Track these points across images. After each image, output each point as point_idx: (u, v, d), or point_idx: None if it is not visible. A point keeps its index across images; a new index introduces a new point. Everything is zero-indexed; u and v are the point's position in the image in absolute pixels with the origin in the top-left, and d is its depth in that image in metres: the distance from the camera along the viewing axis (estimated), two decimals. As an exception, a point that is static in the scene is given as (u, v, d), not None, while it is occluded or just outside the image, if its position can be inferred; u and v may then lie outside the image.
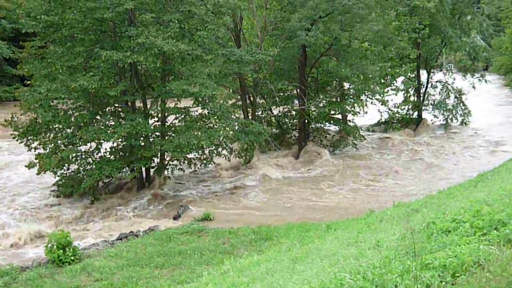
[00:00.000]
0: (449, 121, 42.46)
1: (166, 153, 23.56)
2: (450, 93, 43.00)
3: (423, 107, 42.42)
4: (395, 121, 41.28)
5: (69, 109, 23.96)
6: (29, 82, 25.49)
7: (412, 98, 42.36)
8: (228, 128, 25.28)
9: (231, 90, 32.41)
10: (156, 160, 25.19)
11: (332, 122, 35.37)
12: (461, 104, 42.85)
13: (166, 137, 24.05)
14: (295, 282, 7.76)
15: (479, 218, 6.58)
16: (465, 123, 42.60)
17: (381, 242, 8.21)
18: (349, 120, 35.91)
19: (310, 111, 33.62)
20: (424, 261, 5.42)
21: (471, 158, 32.39)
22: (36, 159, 23.55)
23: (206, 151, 25.48)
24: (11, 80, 60.28)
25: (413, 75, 42.17)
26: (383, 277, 5.41)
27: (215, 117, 24.95)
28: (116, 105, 24.60)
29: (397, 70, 39.16)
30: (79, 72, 22.70)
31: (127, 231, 19.10)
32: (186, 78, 23.21)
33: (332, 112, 34.56)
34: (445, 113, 42.62)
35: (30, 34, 24.92)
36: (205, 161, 25.92)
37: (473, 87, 43.90)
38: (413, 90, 42.47)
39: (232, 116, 27.12)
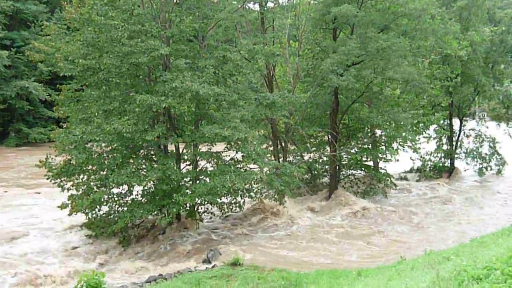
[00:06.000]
0: (483, 170, 41.99)
1: (198, 197, 23.66)
2: (483, 141, 42.66)
3: (456, 155, 42.09)
4: (427, 169, 40.99)
5: (103, 152, 24.29)
6: (64, 124, 26.01)
7: (444, 146, 42.10)
8: (262, 171, 25.34)
9: (262, 133, 32.58)
10: (188, 204, 25.27)
11: (363, 168, 35.27)
12: (496, 153, 42.43)
13: (199, 181, 24.16)
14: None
15: (510, 265, 6.50)
16: (500, 173, 42.09)
17: (411, 289, 8.12)
18: (381, 168, 35.75)
19: (342, 157, 33.61)
20: (453, 307, 5.37)
21: (505, 208, 31.89)
22: (68, 200, 23.85)
23: (239, 195, 25.52)
24: (46, 122, 61.76)
25: (446, 123, 42.01)
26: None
27: (250, 160, 24.97)
28: (149, 148, 24.86)
29: (429, 118, 39.04)
30: (114, 115, 23.09)
31: (156, 274, 19.12)
32: (219, 123, 23.45)
33: (364, 159, 34.51)
34: (478, 161, 42.21)
35: (67, 77, 25.52)
36: (237, 205, 25.94)
37: (510, 135, 43.47)
38: (445, 138, 42.22)
39: (265, 160, 27.18)
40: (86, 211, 23.74)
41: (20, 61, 62.31)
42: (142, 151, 24.82)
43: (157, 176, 22.29)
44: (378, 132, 36.16)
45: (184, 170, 24.79)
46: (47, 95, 51.08)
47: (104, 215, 24.29)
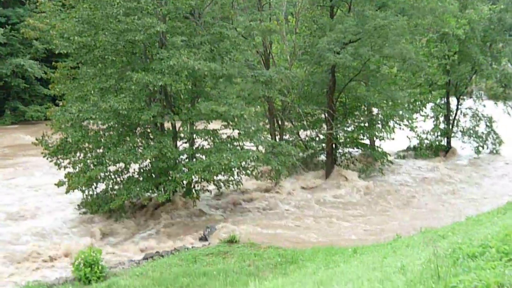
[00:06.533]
0: (480, 149, 41.99)
1: (194, 174, 23.67)
2: (480, 120, 42.62)
3: (452, 134, 42.08)
4: (423, 147, 40.99)
5: (100, 130, 24.24)
6: (60, 102, 25.93)
7: (441, 125, 42.07)
8: (258, 149, 25.37)
9: (258, 111, 32.52)
10: (185, 181, 25.27)
11: (360, 147, 35.31)
12: (493, 132, 42.40)
13: (195, 159, 24.16)
14: (319, 304, 7.74)
15: (506, 243, 6.52)
16: (496, 152, 42.10)
17: (406, 266, 8.14)
18: (377, 146, 35.78)
19: (338, 136, 33.62)
20: (448, 284, 5.39)
21: (502, 186, 31.95)
22: (65, 177, 23.86)
23: (235, 173, 25.56)
24: (42, 100, 61.36)
25: (443, 102, 41.96)
26: (407, 300, 5.39)
27: (246, 138, 24.97)
28: (146, 126, 24.82)
29: (426, 96, 38.98)
30: (111, 93, 23.01)
31: (153, 251, 19.19)
32: (215, 100, 23.40)
33: (360, 137, 34.52)
34: (475, 140, 42.20)
35: (63, 55, 25.38)
36: (233, 183, 25.99)
37: (508, 113, 43.38)
38: (442, 117, 42.18)
39: (262, 138, 27.16)
40: (83, 188, 23.79)
41: (15, 39, 61.83)
42: (138, 129, 24.76)
43: (153, 154, 22.29)
44: (375, 110, 36.13)
45: (180, 148, 24.79)
46: (43, 73, 50.63)
47: (100, 193, 24.32)
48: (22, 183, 31.52)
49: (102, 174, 23.38)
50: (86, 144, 23.93)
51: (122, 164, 23.75)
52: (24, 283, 15.72)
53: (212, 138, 24.90)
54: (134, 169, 24.42)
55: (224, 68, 23.38)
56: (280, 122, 31.61)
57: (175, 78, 22.20)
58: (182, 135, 25.28)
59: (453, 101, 42.49)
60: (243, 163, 24.68)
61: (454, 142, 42.39)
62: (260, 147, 25.89)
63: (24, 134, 49.06)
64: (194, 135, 24.90)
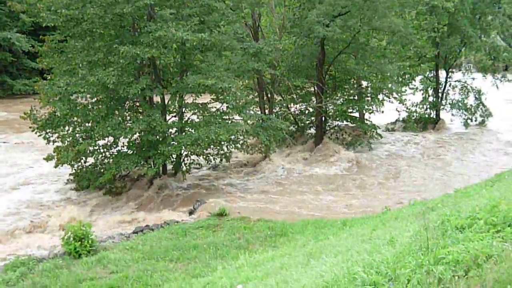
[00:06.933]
0: (469, 121, 42.17)
1: (184, 148, 23.66)
2: (469, 93, 42.75)
3: (441, 107, 42.20)
4: (412, 120, 41.12)
5: (88, 103, 24.11)
6: (48, 75, 25.73)
7: (430, 98, 42.15)
8: (247, 123, 25.36)
9: (247, 83, 32.45)
10: (174, 154, 25.25)
11: (349, 120, 35.36)
12: (481, 104, 42.57)
13: (184, 133, 24.11)
14: (308, 276, 7.78)
15: (493, 215, 6.57)
16: (485, 124, 42.31)
17: (395, 238, 8.20)
18: (366, 119, 35.84)
19: (328, 109, 33.63)
20: (437, 255, 5.43)
21: (490, 159, 32.14)
22: (54, 152, 23.76)
23: (224, 146, 25.56)
24: (30, 74, 60.97)
25: (432, 75, 42.01)
26: (396, 271, 5.44)
27: (234, 111, 24.96)
28: (135, 100, 24.71)
29: (416, 69, 39.00)
30: (99, 66, 22.84)
31: (143, 225, 19.23)
32: (204, 73, 23.29)
33: (350, 110, 34.54)
34: (464, 113, 42.37)
35: (50, 28, 25.15)
36: (223, 156, 26.00)
37: (497, 86, 43.53)
38: (431, 89, 42.25)
39: (251, 112, 27.11)
40: (72, 163, 23.71)
41: (2, 12, 61.12)
42: (127, 102, 24.63)
43: (142, 127, 22.20)
44: (364, 83, 36.15)
45: (170, 122, 24.72)
46: (30, 46, 50.18)
47: (90, 167, 24.27)
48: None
49: (91, 148, 23.26)
50: (75, 118, 23.80)
51: (111, 138, 23.66)
52: (13, 258, 15.71)
53: (201, 112, 24.83)
54: (123, 143, 24.35)
55: (212, 37, 23.18)
56: (269, 96, 31.54)
57: (163, 51, 22.05)
58: (171, 108, 25.20)
59: (442, 74, 42.59)
60: (232, 136, 24.67)
61: (443, 115, 42.54)
62: (249, 121, 25.86)
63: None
64: (183, 109, 24.82)
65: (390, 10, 29.72)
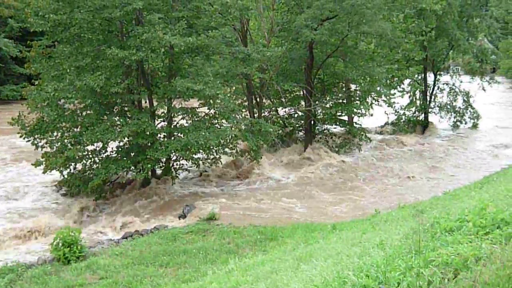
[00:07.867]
0: (458, 124, 42.42)
1: (173, 153, 23.60)
2: (457, 95, 42.98)
3: (430, 110, 42.38)
4: (401, 123, 41.25)
5: (77, 109, 24.02)
6: (36, 81, 25.63)
7: (418, 101, 42.33)
8: (235, 128, 25.36)
9: (235, 88, 32.47)
10: (163, 160, 25.21)
11: (338, 123, 35.40)
12: (470, 107, 42.81)
13: (173, 138, 24.07)
14: (298, 280, 7.78)
15: (482, 217, 6.58)
16: (475, 126, 42.53)
17: (385, 241, 8.21)
18: (355, 122, 35.91)
19: (317, 112, 33.67)
20: (427, 258, 5.44)
21: (478, 161, 32.30)
22: (42, 157, 23.65)
23: (213, 151, 25.54)
24: (18, 79, 60.57)
25: (420, 78, 42.19)
26: (386, 274, 5.43)
27: (222, 117, 25.00)
28: (123, 105, 24.65)
29: (404, 72, 39.13)
30: (87, 71, 22.76)
31: (132, 230, 19.16)
32: (192, 77, 23.26)
33: (339, 113, 34.60)
34: (452, 115, 42.60)
35: (38, 33, 25.04)
36: (212, 161, 25.98)
37: (483, 89, 43.82)
38: (420, 92, 42.44)
39: (239, 116, 27.12)
40: (61, 169, 23.59)
41: (-11, 17, 60.98)
42: (116, 107, 24.57)
43: (131, 129, 22.13)
44: (353, 86, 36.24)
45: (158, 127, 24.69)
46: (18, 52, 49.97)
47: (79, 173, 24.17)
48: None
49: (80, 154, 23.16)
50: (63, 124, 23.71)
51: (100, 144, 23.58)
52: (1, 264, 15.62)
53: (190, 116, 24.82)
54: (112, 148, 24.27)
55: (199, 40, 23.13)
56: (258, 99, 31.53)
57: (150, 55, 22.01)
58: (159, 113, 25.17)
59: (430, 76, 42.79)
60: (222, 141, 24.67)
61: (432, 118, 42.73)
62: (241, 126, 25.89)
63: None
64: (172, 113, 24.79)
65: (378, 14, 29.78)
